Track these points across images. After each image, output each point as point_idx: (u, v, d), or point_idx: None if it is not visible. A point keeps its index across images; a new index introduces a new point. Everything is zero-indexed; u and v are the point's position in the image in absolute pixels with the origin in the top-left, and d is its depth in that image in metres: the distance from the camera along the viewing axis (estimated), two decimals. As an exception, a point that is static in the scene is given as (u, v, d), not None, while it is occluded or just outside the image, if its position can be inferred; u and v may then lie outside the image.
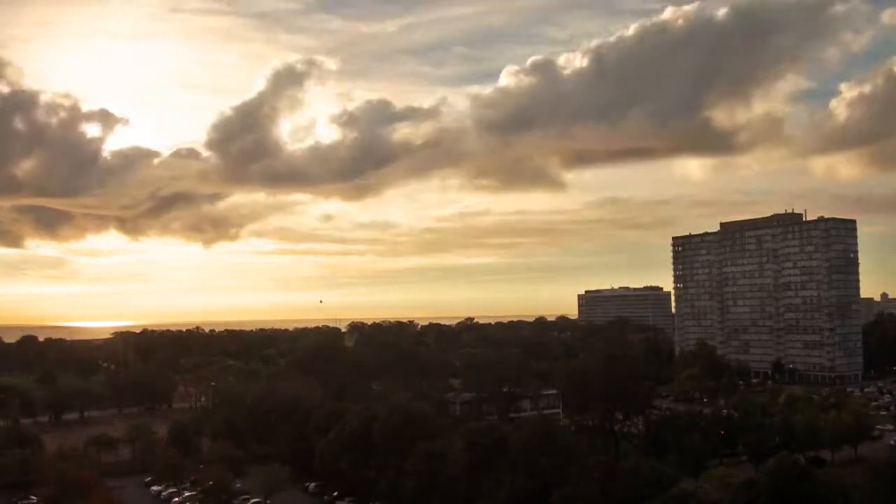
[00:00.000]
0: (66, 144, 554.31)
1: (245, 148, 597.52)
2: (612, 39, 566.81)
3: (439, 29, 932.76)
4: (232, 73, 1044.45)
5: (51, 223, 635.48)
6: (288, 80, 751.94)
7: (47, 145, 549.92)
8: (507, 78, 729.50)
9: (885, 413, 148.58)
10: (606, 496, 65.12)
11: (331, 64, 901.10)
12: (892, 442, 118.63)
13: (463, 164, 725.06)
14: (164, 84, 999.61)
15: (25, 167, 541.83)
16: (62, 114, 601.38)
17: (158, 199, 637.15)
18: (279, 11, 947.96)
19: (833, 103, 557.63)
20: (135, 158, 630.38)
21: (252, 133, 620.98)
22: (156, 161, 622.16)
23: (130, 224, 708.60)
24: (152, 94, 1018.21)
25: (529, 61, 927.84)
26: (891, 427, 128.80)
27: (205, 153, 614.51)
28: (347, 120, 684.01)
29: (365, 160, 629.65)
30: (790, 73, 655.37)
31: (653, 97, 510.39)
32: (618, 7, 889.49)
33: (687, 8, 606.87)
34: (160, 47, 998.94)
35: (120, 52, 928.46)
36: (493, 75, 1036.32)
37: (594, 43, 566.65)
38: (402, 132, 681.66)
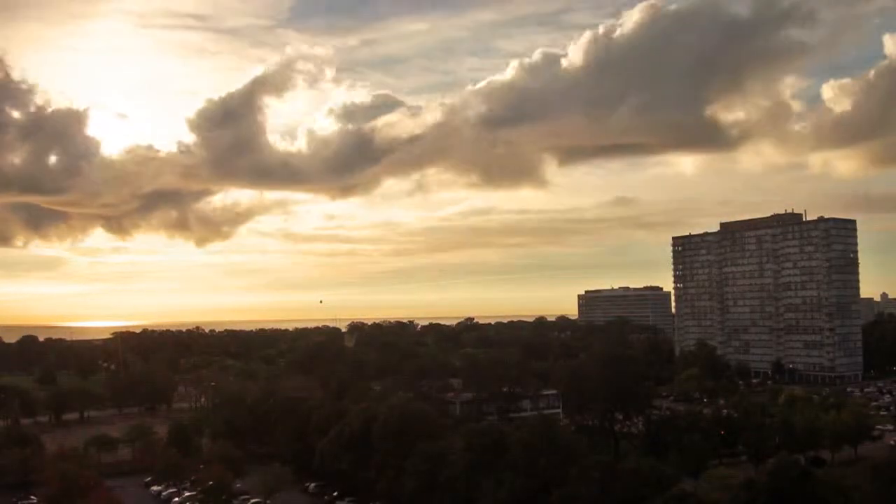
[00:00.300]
0: (58, 142, 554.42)
1: (241, 146, 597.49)
2: (611, 33, 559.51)
3: (399, 43, 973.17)
4: (204, 82, 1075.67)
5: (48, 222, 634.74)
6: (275, 80, 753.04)
7: (40, 143, 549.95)
8: (507, 73, 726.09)
9: (885, 413, 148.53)
10: (606, 496, 65.06)
11: (313, 68, 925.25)
12: (892, 442, 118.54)
13: (461, 163, 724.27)
14: (138, 91, 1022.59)
15: (18, 165, 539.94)
16: (54, 112, 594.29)
17: (157, 197, 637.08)
18: (249, 28, 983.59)
19: (834, 100, 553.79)
20: (129, 157, 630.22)
21: (248, 132, 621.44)
22: (152, 160, 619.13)
23: (126, 223, 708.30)
24: (129, 99, 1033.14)
25: (538, 52, 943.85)
26: (891, 427, 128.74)
27: (202, 153, 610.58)
28: (345, 119, 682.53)
29: (362, 159, 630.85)
30: (792, 69, 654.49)
31: (652, 91, 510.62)
32: (564, 23, 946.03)
33: (690, 2, 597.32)
34: (131, 59, 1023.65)
35: (89, 67, 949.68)
36: (456, 86, 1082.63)
37: (592, 37, 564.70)
38: (400, 130, 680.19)
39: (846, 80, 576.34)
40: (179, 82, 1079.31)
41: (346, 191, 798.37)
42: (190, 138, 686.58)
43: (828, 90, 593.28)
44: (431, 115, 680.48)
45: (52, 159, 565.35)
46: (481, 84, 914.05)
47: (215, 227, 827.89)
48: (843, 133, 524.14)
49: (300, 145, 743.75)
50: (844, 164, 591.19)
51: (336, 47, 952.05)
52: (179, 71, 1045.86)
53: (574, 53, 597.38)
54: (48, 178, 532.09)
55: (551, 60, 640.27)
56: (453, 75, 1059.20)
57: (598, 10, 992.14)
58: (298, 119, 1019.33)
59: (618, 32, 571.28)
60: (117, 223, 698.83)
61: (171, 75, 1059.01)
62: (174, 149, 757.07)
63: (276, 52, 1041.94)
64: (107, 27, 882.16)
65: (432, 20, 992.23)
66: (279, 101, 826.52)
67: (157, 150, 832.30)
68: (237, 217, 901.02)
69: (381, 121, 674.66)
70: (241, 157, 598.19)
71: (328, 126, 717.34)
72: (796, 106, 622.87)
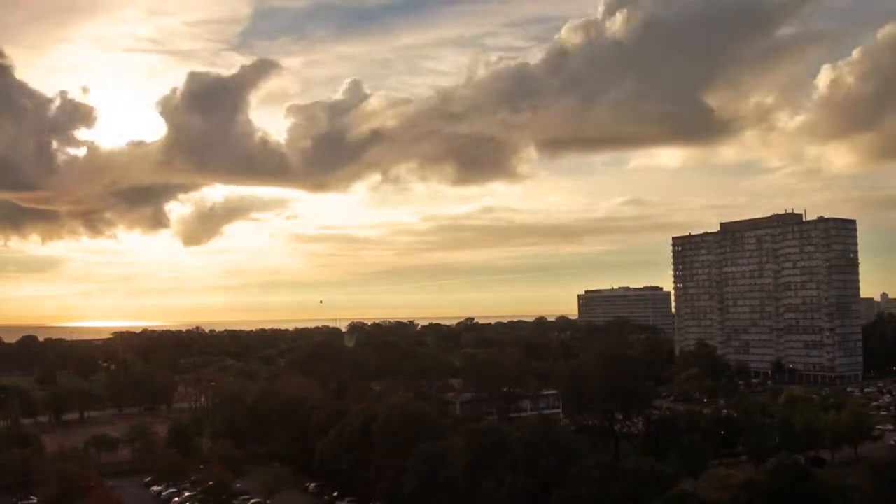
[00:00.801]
0: (50, 139, 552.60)
1: (222, 139, 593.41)
2: (606, 25, 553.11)
3: (338, 65, 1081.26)
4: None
5: (44, 222, 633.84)
6: (260, 78, 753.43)
7: (32, 140, 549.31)
8: (506, 69, 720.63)
9: (885, 413, 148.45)
10: (606, 496, 65.03)
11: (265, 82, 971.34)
12: (892, 442, 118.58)
13: (453, 161, 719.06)
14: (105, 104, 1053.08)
15: (12, 163, 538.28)
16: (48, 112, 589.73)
17: (153, 195, 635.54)
18: (203, 50, 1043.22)
19: (833, 98, 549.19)
20: (119, 155, 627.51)
21: (247, 131, 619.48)
22: (144, 158, 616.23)
23: (120, 223, 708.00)
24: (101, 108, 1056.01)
25: (532, 44, 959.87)
26: (891, 427, 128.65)
27: (179, 147, 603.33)
28: (329, 117, 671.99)
29: (350, 158, 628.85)
30: (793, 66, 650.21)
31: (654, 87, 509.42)
32: (485, 45, 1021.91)
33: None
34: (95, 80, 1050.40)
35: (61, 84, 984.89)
36: (397, 99, 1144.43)
37: (590, 33, 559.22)
38: (394, 126, 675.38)
39: (847, 71, 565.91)
40: (139, 97, 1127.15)
41: (337, 188, 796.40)
42: (164, 137, 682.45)
43: (829, 83, 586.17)
44: (416, 109, 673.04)
45: (47, 158, 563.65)
46: (472, 78, 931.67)
47: (214, 227, 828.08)
48: (845, 126, 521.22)
49: (286, 143, 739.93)
50: (846, 159, 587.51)
51: (284, 66, 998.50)
52: (139, 86, 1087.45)
53: (566, 44, 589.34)
54: (44, 176, 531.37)
55: (544, 53, 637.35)
56: (390, 93, 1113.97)
57: (519, 34, 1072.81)
58: (269, 121, 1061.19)
59: (609, 25, 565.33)
60: (113, 223, 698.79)
61: (130, 92, 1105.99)
62: (163, 146, 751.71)
63: (227, 71, 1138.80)
64: (74, 49, 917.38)
65: (363, 44, 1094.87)
66: (266, 100, 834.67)
67: (141, 145, 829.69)
68: (237, 217, 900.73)
69: (370, 118, 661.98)
70: (225, 152, 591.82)
71: (318, 125, 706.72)
72: (798, 99, 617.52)
